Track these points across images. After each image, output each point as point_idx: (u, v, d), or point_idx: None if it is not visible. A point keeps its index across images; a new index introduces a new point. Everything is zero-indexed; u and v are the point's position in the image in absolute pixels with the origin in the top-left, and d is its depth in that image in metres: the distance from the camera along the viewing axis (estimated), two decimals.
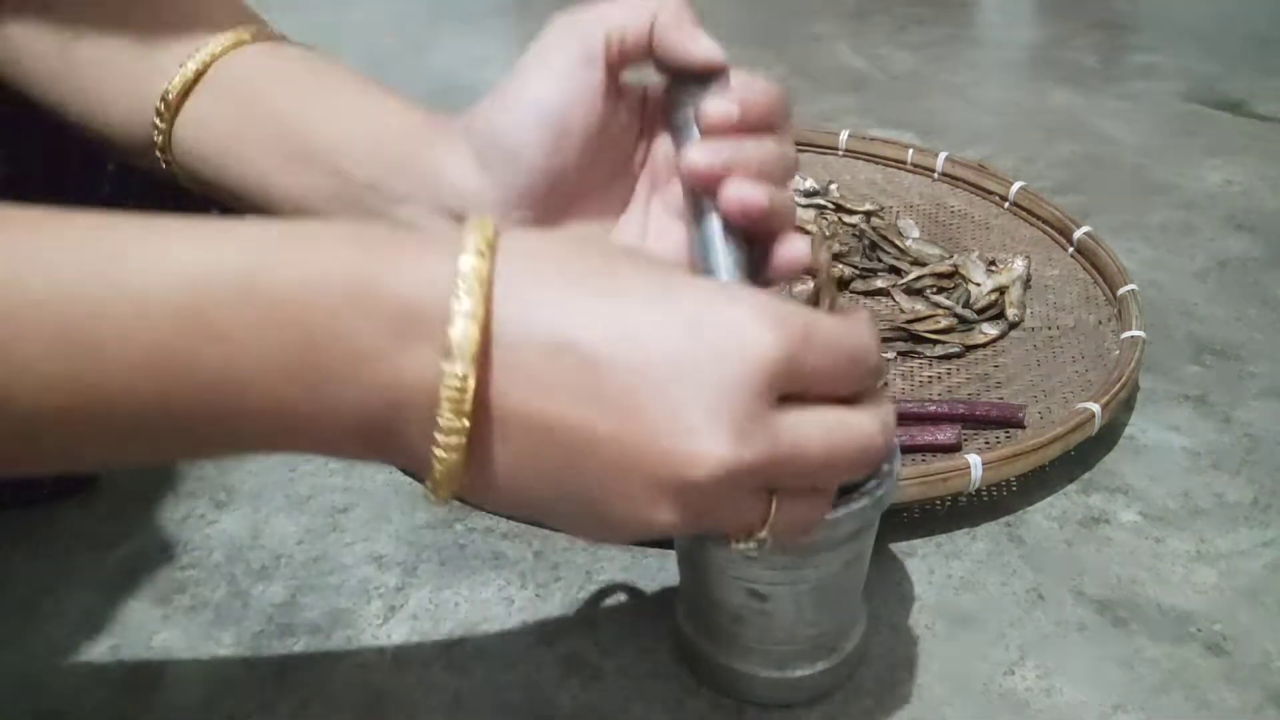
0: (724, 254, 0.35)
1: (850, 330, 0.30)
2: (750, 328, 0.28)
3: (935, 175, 0.80)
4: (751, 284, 0.36)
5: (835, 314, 0.31)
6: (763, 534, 0.31)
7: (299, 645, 0.44)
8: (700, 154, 0.35)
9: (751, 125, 0.36)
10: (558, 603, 0.46)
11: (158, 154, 0.42)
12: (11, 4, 0.41)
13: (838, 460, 0.30)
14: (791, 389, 0.29)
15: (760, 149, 0.36)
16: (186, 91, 0.41)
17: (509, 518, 0.51)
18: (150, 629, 0.45)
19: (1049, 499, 0.53)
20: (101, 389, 0.27)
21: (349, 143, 0.40)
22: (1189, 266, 0.75)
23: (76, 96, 0.42)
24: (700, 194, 0.36)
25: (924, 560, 0.49)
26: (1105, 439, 0.57)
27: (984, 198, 0.78)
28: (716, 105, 0.35)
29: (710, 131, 0.35)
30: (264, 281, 0.28)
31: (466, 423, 0.28)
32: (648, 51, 0.37)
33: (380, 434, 0.29)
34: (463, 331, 0.27)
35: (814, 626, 0.40)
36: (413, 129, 0.39)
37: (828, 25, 1.30)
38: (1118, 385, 0.54)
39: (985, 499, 0.53)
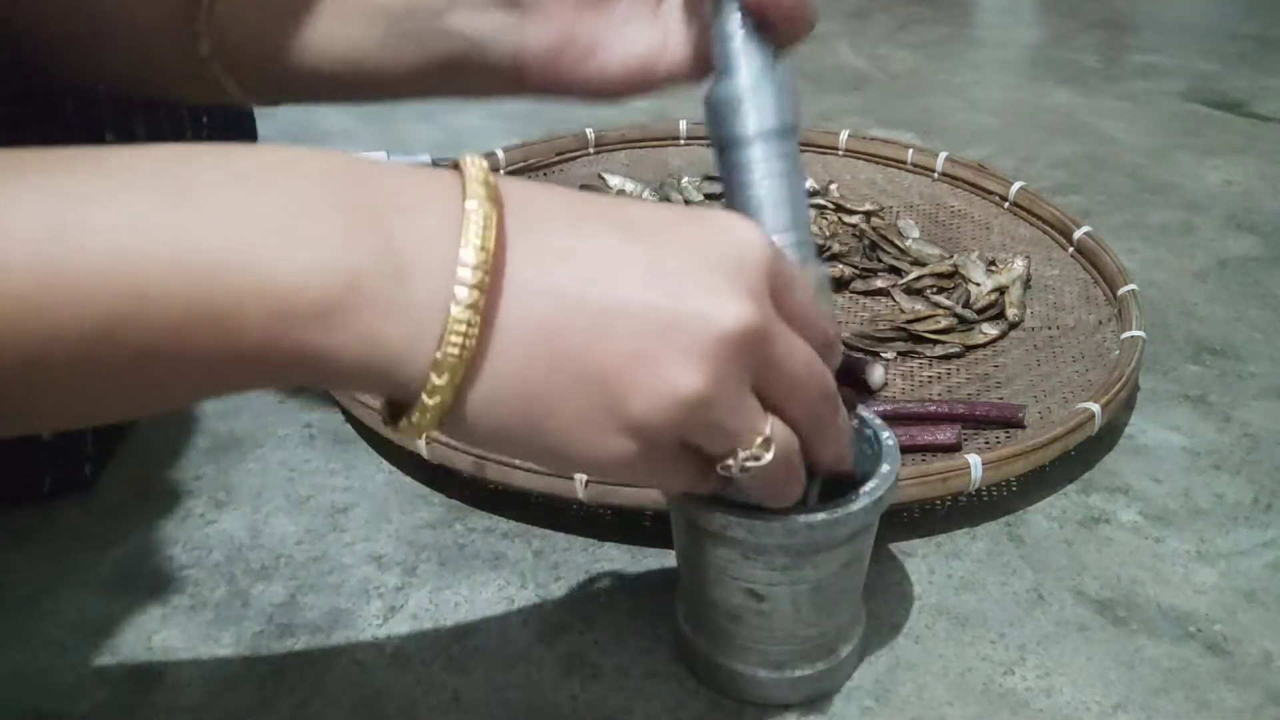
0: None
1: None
2: (743, 227, 0.30)
3: (935, 175, 0.80)
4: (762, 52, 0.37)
5: None
6: (765, 436, 0.30)
7: (299, 645, 0.44)
8: None
9: None
10: (557, 602, 0.46)
11: (202, 67, 0.41)
12: None
13: (817, 379, 0.32)
14: (776, 288, 0.30)
15: None
16: None
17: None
18: (150, 629, 0.45)
19: (1049, 499, 0.53)
20: (78, 275, 0.24)
21: None
22: (1189, 266, 0.75)
23: (107, 38, 0.42)
24: None
25: (924, 560, 0.49)
26: (1105, 439, 0.57)
27: (984, 198, 0.78)
28: None
29: None
30: (248, 153, 0.27)
31: (488, 268, 0.26)
32: None
33: (378, 305, 0.26)
34: (479, 180, 0.27)
35: (813, 627, 0.40)
36: None
37: (828, 25, 1.30)
38: (1118, 385, 0.54)
39: (985, 499, 0.53)
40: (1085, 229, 0.70)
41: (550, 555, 0.49)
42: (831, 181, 0.80)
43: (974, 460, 0.48)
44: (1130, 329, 0.60)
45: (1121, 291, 0.63)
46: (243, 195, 0.25)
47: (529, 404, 0.28)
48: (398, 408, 0.28)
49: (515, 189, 0.29)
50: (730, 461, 0.31)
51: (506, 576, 0.48)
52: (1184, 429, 0.58)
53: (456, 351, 0.26)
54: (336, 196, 0.26)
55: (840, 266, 0.70)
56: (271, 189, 0.26)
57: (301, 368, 0.26)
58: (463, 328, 0.26)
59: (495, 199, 0.27)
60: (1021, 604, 0.47)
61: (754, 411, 0.30)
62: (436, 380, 0.26)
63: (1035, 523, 0.52)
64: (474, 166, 0.28)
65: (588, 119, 0.85)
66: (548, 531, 0.50)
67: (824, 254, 0.71)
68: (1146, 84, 1.11)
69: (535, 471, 0.47)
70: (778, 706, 0.41)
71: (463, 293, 0.26)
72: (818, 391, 0.32)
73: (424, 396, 0.27)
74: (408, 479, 0.53)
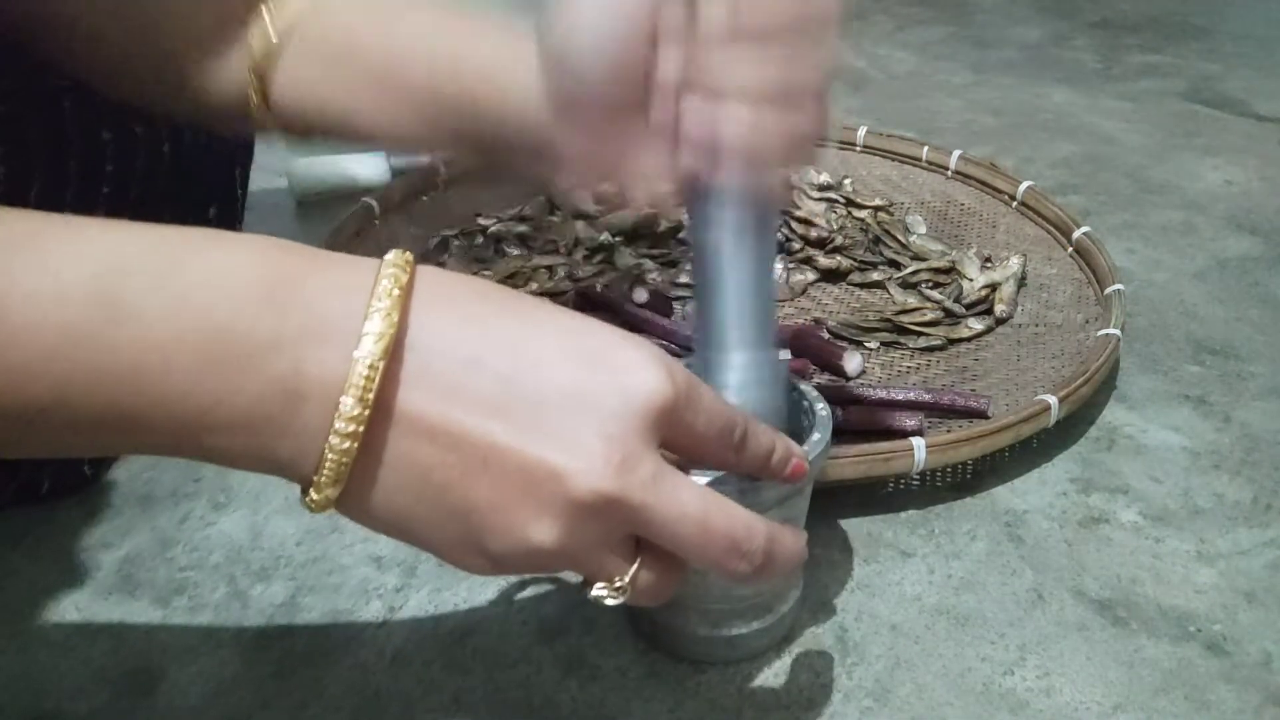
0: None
1: (728, 405, 0.33)
2: (644, 370, 0.30)
3: (949, 173, 0.80)
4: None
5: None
6: (622, 583, 0.32)
7: (298, 646, 0.44)
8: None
9: (747, 35, 0.34)
10: (557, 603, 0.46)
11: (255, 116, 0.44)
12: (89, 19, 0.43)
13: (711, 539, 0.31)
14: (672, 434, 0.31)
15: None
16: (272, 58, 0.43)
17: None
18: (150, 629, 0.45)
19: (1049, 499, 0.53)
20: (7, 367, 0.26)
21: (436, 70, 0.41)
22: (1189, 266, 0.75)
23: (169, 91, 0.45)
24: None
25: (924, 560, 0.49)
26: (1105, 439, 0.57)
27: (994, 196, 0.78)
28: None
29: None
30: (180, 268, 0.28)
31: (368, 412, 0.28)
32: None
33: (272, 426, 0.29)
34: (377, 329, 0.28)
35: (748, 587, 0.41)
36: (494, 49, 0.41)
37: None
38: (1079, 380, 0.55)
39: (985, 498, 0.53)
40: (1084, 229, 0.70)
41: None
42: (846, 176, 0.81)
43: (918, 442, 0.49)
44: (1108, 327, 0.60)
45: (1108, 291, 0.63)
46: (165, 317, 0.27)
47: (400, 521, 0.31)
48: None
49: (424, 303, 0.30)
50: (586, 590, 0.33)
51: (505, 577, 0.48)
52: (1184, 429, 0.58)
53: (330, 478, 0.29)
54: (255, 317, 0.28)
55: (839, 259, 0.71)
56: (198, 319, 0.28)
57: (205, 459, 0.30)
58: (335, 458, 0.29)
59: (399, 324, 0.29)
60: (1021, 604, 0.47)
61: (611, 562, 0.32)
62: (315, 495, 0.30)
63: (1035, 523, 0.51)
64: (388, 279, 0.29)
65: None
66: None
67: (828, 246, 0.72)
68: (1146, 84, 1.11)
69: None
70: (713, 664, 0.42)
71: (336, 440, 0.28)
72: (712, 548, 0.32)
73: (312, 493, 0.30)
74: None
